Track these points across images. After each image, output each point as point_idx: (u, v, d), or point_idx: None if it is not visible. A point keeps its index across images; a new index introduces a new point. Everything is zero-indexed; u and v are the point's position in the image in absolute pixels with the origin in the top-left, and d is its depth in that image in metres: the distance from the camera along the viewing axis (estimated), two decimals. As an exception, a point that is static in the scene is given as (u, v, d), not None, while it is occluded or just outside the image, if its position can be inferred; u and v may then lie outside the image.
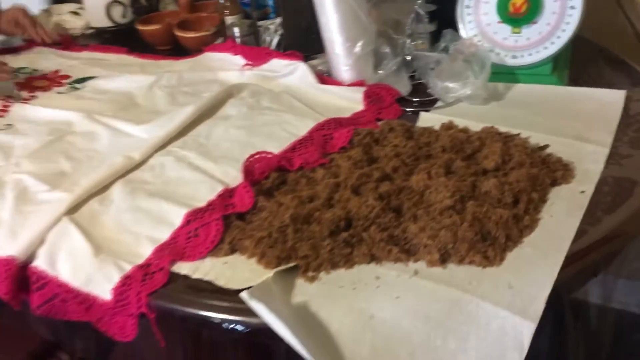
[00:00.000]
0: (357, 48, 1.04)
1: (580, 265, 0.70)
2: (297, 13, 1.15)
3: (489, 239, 0.70)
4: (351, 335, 0.63)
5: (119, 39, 1.42)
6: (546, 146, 0.87)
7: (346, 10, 1.02)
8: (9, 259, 0.76)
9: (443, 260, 0.69)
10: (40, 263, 0.76)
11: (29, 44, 1.41)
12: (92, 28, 1.46)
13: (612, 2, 1.27)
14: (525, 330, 0.62)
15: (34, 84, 1.18)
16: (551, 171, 0.81)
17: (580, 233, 0.72)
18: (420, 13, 1.10)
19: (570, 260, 0.68)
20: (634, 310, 1.07)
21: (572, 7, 1.01)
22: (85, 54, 1.33)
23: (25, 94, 1.14)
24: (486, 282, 0.67)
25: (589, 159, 0.84)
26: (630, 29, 1.28)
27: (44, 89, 1.16)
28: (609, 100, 0.97)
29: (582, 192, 0.78)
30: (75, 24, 1.50)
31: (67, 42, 1.42)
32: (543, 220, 0.74)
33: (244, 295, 0.63)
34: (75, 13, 1.54)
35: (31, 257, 0.77)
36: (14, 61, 1.31)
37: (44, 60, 1.29)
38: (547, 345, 0.72)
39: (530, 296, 0.65)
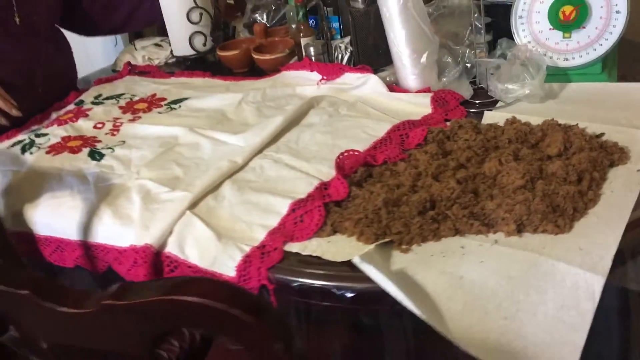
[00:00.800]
0: (423, 59, 1.17)
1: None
2: (365, 32, 1.28)
3: (558, 211, 0.81)
4: (445, 294, 0.75)
5: (199, 65, 1.58)
6: (602, 134, 0.97)
7: (412, 26, 1.15)
8: (146, 247, 0.90)
9: (519, 230, 0.80)
10: (171, 249, 0.90)
11: (120, 73, 1.59)
12: (175, 57, 1.63)
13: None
14: (596, 283, 0.72)
15: (135, 106, 1.34)
16: (609, 154, 0.91)
17: (638, 204, 0.82)
18: (477, 25, 1.22)
19: (631, 226, 0.79)
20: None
21: (618, 12, 1.12)
22: (173, 80, 1.49)
23: (129, 115, 1.31)
24: (558, 246, 0.78)
25: (643, 143, 0.94)
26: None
27: (145, 110, 1.32)
28: (658, 92, 1.07)
29: (638, 170, 0.88)
30: (159, 55, 1.67)
31: (154, 71, 1.59)
32: (604, 195, 0.85)
33: (356, 259, 0.76)
34: (158, 45, 1.72)
35: (162, 245, 0.91)
36: (111, 89, 1.48)
37: (139, 86, 1.46)
38: (614, 303, 0.82)
39: (599, 256, 0.75)
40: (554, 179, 0.86)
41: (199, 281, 0.49)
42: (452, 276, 0.76)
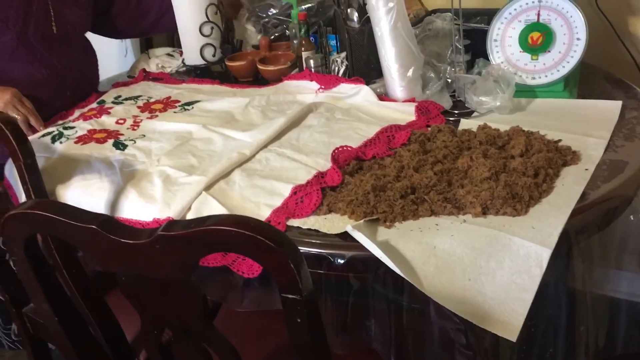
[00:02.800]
0: (410, 73, 1.34)
1: (583, 216, 0.96)
2: (359, 49, 1.46)
3: (517, 197, 0.97)
4: (420, 259, 0.91)
5: (208, 74, 1.74)
6: (559, 140, 1.14)
7: (401, 44, 1.32)
8: (168, 219, 1.05)
9: (484, 212, 0.97)
10: (189, 223, 1.05)
11: (136, 78, 1.75)
12: (186, 65, 1.79)
13: (614, 35, 1.56)
14: (544, 254, 0.88)
15: (152, 106, 1.50)
16: (563, 155, 1.08)
17: (584, 195, 0.99)
18: (457, 46, 1.40)
19: (576, 212, 0.95)
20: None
21: (579, 39, 1.30)
22: (184, 85, 1.65)
23: (147, 113, 1.46)
24: (515, 225, 0.94)
25: (592, 147, 1.11)
26: (629, 57, 1.56)
27: (161, 110, 1.48)
28: (609, 108, 1.25)
29: (586, 169, 1.05)
30: (171, 64, 1.83)
31: (166, 77, 1.75)
32: (557, 188, 1.01)
33: (348, 227, 0.91)
34: (170, 55, 1.88)
35: (182, 219, 1.06)
36: (129, 91, 1.63)
37: (154, 90, 1.62)
38: (562, 275, 0.98)
39: (547, 233, 0.91)
40: (514, 172, 1.02)
41: (232, 217, 0.64)
42: (427, 245, 0.92)
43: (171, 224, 0.65)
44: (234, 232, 0.61)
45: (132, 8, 1.72)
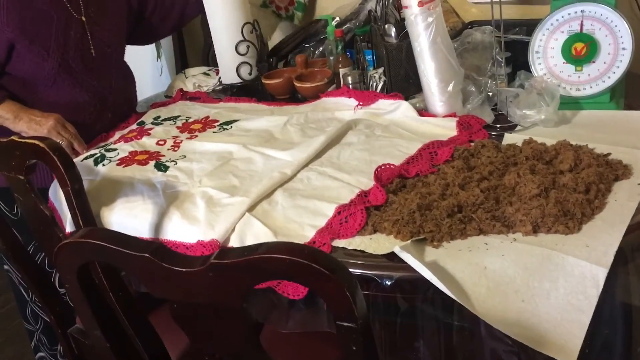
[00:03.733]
0: (450, 87, 1.33)
1: (638, 233, 0.93)
2: (397, 64, 1.45)
3: (568, 215, 0.95)
4: (471, 280, 0.89)
5: (244, 92, 1.75)
6: (609, 153, 1.11)
7: (440, 58, 1.31)
8: (213, 241, 1.05)
9: (535, 230, 0.94)
10: (233, 244, 1.05)
11: (174, 98, 1.76)
12: (222, 84, 1.80)
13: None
14: (600, 273, 0.86)
15: (191, 127, 1.51)
16: (614, 170, 1.05)
17: (638, 211, 0.95)
18: (498, 59, 1.38)
19: (631, 229, 0.92)
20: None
21: (624, 49, 1.27)
22: (222, 104, 1.66)
23: (187, 134, 1.47)
24: (568, 244, 0.91)
25: (644, 161, 1.08)
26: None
27: (200, 130, 1.48)
28: (659, 119, 1.21)
29: (639, 184, 1.02)
30: (207, 83, 1.85)
31: (203, 96, 1.76)
32: (609, 204, 0.98)
33: (396, 249, 0.90)
34: (206, 74, 1.90)
35: (226, 241, 1.06)
36: (168, 112, 1.65)
37: (193, 110, 1.63)
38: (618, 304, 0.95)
39: (602, 252, 0.89)
40: (565, 189, 1.00)
41: (285, 244, 0.63)
42: (477, 266, 0.90)
43: (224, 252, 0.65)
44: (288, 260, 0.60)
45: (160, 3, 1.73)
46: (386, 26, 1.42)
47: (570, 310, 0.83)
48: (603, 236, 0.91)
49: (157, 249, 0.67)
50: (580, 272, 0.87)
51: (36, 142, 1.01)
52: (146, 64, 2.52)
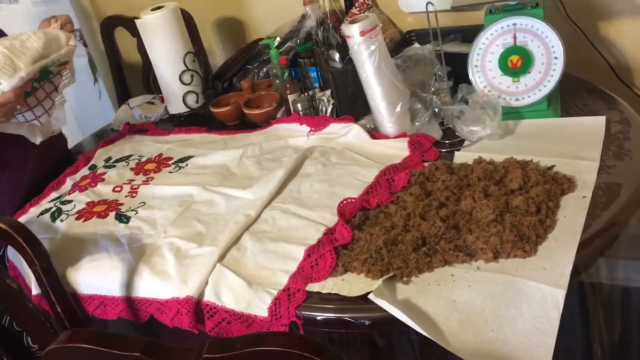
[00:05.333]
0: (398, 108, 1.37)
1: (589, 248, 1.00)
2: (344, 87, 1.48)
3: (524, 239, 1.01)
4: (443, 315, 0.94)
5: (193, 120, 1.74)
6: (553, 166, 1.18)
7: (386, 82, 1.34)
8: (188, 298, 1.07)
9: (495, 257, 1.00)
10: (209, 298, 1.07)
11: (121, 133, 1.74)
12: (169, 114, 1.79)
13: (586, 42, 1.60)
14: (559, 295, 0.92)
15: (146, 167, 1.50)
16: (559, 185, 1.12)
17: (586, 226, 1.02)
18: (439, 74, 1.43)
19: (582, 246, 0.99)
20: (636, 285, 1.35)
21: (556, 58, 1.33)
22: (172, 137, 1.66)
23: (142, 176, 1.46)
24: (527, 268, 0.97)
25: (585, 171, 1.15)
26: (603, 61, 1.61)
27: (155, 170, 1.48)
28: (594, 125, 1.29)
29: (584, 197, 1.09)
30: (153, 112, 1.83)
31: (152, 128, 1.75)
32: (559, 221, 1.05)
33: (371, 296, 0.94)
34: (151, 102, 1.88)
35: (200, 295, 1.08)
36: (118, 151, 1.63)
37: (144, 147, 1.62)
38: (575, 308, 1.02)
39: (559, 273, 0.95)
40: (518, 211, 1.06)
41: (275, 334, 0.66)
42: (446, 300, 0.95)
43: (214, 345, 0.67)
44: (281, 352, 0.63)
45: None
46: (330, 52, 1.45)
47: (537, 335, 0.90)
48: (558, 257, 0.98)
49: (147, 347, 0.69)
50: (541, 295, 0.93)
51: (-2, 223, 0.99)
52: (85, 87, 2.46)
